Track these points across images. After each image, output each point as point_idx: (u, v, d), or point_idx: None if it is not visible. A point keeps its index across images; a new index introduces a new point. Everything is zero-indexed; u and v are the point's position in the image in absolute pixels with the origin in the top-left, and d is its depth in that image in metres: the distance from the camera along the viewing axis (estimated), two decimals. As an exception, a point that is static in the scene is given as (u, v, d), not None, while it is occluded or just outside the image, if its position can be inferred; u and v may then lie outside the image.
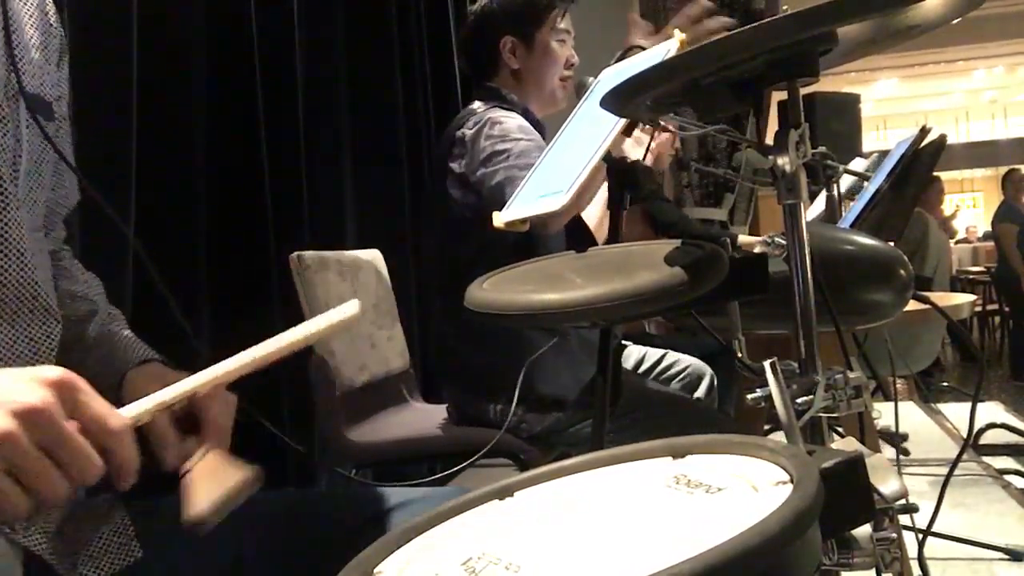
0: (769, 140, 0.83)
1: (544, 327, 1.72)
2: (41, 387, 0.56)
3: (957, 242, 11.22)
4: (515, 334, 1.72)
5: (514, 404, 1.55)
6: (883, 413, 2.43)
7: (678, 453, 0.65)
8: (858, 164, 2.15)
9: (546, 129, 1.90)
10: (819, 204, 2.16)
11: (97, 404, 0.59)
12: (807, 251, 0.83)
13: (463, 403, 1.83)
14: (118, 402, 0.75)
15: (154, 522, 0.83)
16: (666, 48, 1.16)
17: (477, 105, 1.85)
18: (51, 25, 0.92)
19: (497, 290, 1.00)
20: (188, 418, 0.74)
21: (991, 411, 3.98)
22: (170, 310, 0.87)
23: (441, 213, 1.81)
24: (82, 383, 0.59)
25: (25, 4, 0.89)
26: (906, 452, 2.89)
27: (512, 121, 1.75)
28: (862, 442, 0.74)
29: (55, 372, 0.58)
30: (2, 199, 0.78)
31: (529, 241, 1.65)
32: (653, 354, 1.98)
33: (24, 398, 0.55)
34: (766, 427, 1.99)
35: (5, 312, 0.78)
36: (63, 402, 0.57)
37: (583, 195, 1.48)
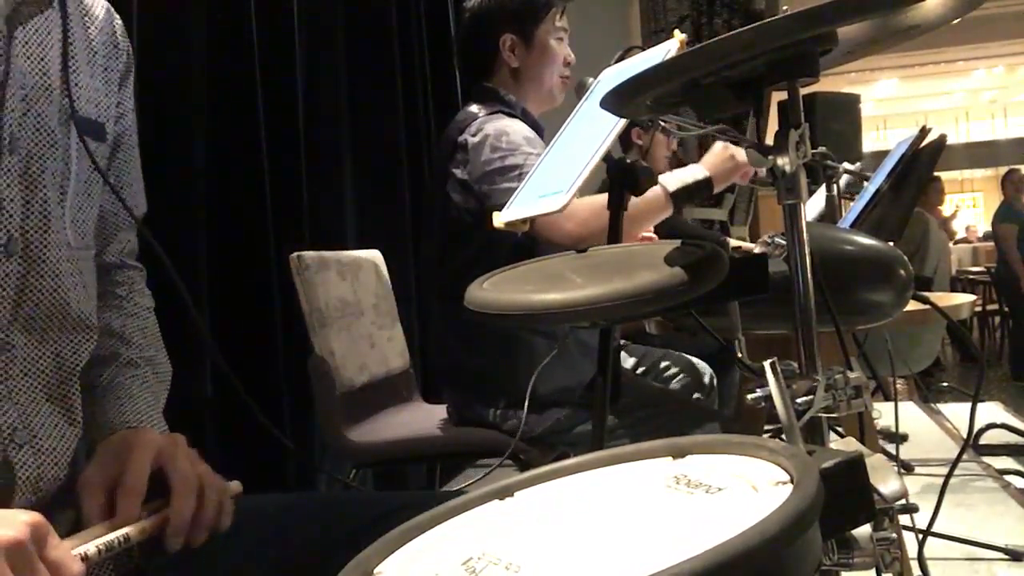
0: (769, 140, 0.83)
1: (543, 327, 1.72)
2: (19, 525, 0.61)
3: (957, 242, 11.22)
4: (513, 338, 1.71)
5: (525, 412, 1.54)
6: (883, 413, 2.43)
7: (678, 453, 0.64)
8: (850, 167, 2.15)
9: (543, 129, 1.90)
10: (818, 201, 2.16)
11: (60, 551, 0.64)
12: (807, 251, 0.83)
13: (462, 406, 1.83)
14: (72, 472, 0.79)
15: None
16: (666, 48, 1.16)
17: (476, 109, 1.83)
18: (117, 46, 0.96)
19: (497, 290, 1.00)
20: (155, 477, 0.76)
21: (991, 411, 3.98)
22: (182, 305, 0.88)
23: (441, 216, 1.80)
24: (50, 528, 0.64)
25: (93, 22, 0.92)
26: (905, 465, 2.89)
27: (518, 132, 1.72)
28: (862, 442, 0.74)
29: (29, 516, 0.62)
30: (44, 221, 0.80)
31: (528, 246, 1.65)
32: (653, 354, 1.98)
33: (5, 532, 0.60)
34: (766, 427, 1.99)
35: (35, 328, 0.80)
36: (34, 541, 0.62)
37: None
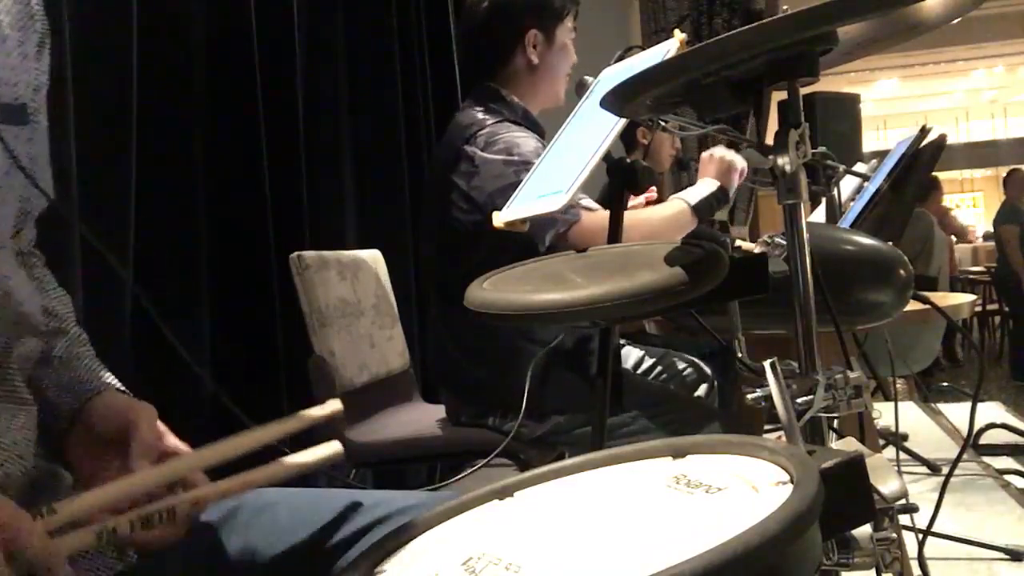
0: (769, 140, 0.83)
1: (543, 327, 1.72)
2: None
3: (957, 242, 11.20)
4: (513, 348, 1.71)
5: (520, 417, 1.53)
6: (883, 413, 2.43)
7: (678, 453, 0.64)
8: (858, 168, 2.15)
9: (544, 130, 1.89)
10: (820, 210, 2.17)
11: (38, 548, 0.61)
12: (807, 251, 0.84)
13: (461, 412, 1.83)
14: (66, 435, 0.79)
15: None
16: (666, 48, 1.17)
17: (480, 114, 1.80)
18: (32, 16, 0.87)
19: (497, 290, 1.00)
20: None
21: (991, 411, 3.98)
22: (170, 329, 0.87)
23: (440, 223, 1.78)
24: (22, 523, 0.61)
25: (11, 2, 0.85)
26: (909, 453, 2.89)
27: (528, 144, 1.71)
28: (862, 442, 0.74)
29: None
30: None
31: (530, 254, 1.64)
32: (653, 354, 1.98)
33: None
34: (766, 427, 1.99)
35: None
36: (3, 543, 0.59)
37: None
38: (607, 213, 1.62)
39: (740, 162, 1.76)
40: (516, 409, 1.65)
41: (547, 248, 1.66)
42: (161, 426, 0.80)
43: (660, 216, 1.71)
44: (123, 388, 0.86)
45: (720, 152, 1.76)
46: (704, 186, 1.74)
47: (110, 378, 0.86)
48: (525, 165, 1.65)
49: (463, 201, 1.73)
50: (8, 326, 0.79)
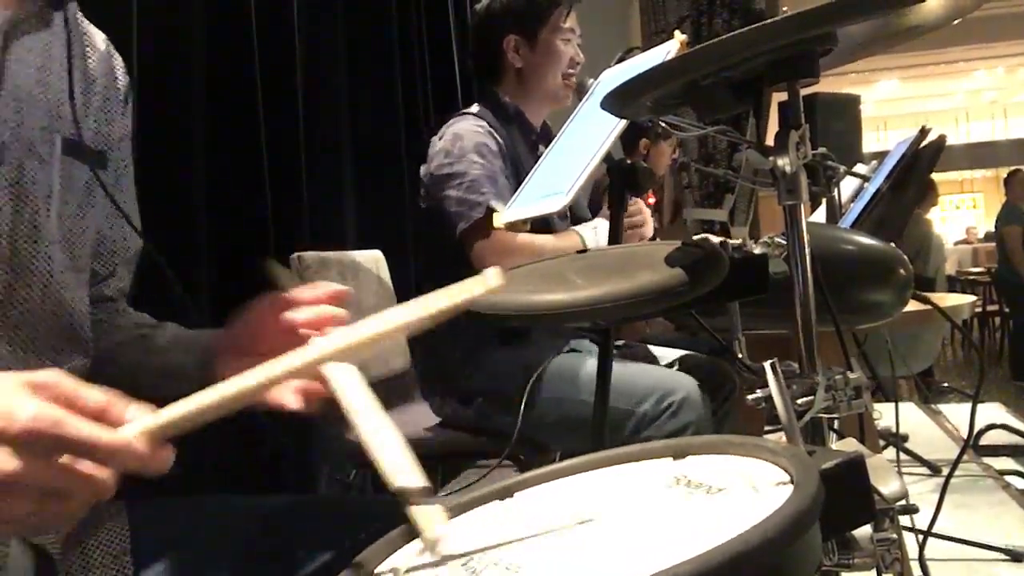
0: (769, 141, 0.83)
1: (543, 327, 1.72)
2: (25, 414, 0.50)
3: (957, 243, 11.20)
4: (479, 335, 1.73)
5: (521, 413, 1.54)
6: (883, 413, 2.43)
7: (678, 453, 0.65)
8: (859, 169, 2.15)
9: (538, 132, 1.92)
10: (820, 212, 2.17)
11: (85, 431, 0.52)
12: (807, 251, 0.83)
13: (440, 403, 1.83)
14: (203, 380, 0.63)
15: (155, 526, 0.83)
16: (666, 49, 1.17)
17: (466, 111, 1.89)
18: (116, 78, 0.96)
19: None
20: None
21: (991, 411, 3.98)
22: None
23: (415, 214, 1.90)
24: (70, 390, 0.53)
25: (94, 52, 0.93)
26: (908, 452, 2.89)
27: (471, 139, 1.76)
28: (862, 442, 0.74)
29: (45, 376, 0.53)
30: (33, 232, 0.80)
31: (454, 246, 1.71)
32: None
33: (19, 413, 0.50)
34: (766, 428, 1.98)
35: (21, 338, 0.78)
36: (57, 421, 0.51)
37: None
38: (521, 238, 1.67)
39: (648, 232, 1.80)
40: (493, 398, 1.68)
41: (457, 241, 1.70)
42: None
43: (552, 246, 1.73)
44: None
45: (644, 215, 1.78)
46: (603, 229, 1.75)
47: (213, 331, 0.93)
48: (460, 158, 1.73)
49: (422, 188, 1.84)
50: (61, 341, 0.82)
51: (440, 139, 1.82)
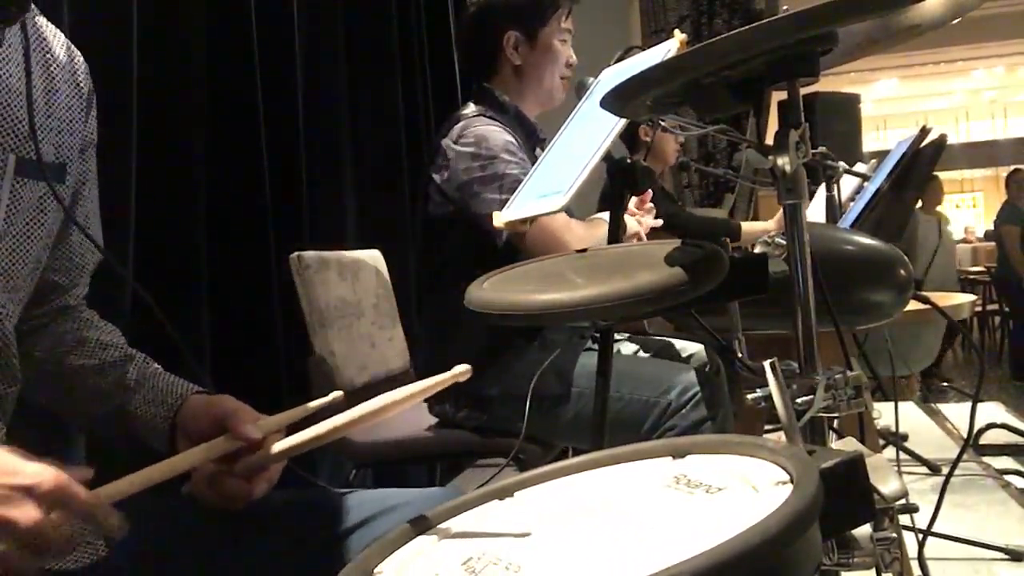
0: (769, 140, 0.83)
1: (544, 327, 1.72)
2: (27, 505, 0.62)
3: (956, 242, 11.18)
4: (486, 336, 1.71)
5: (527, 412, 1.53)
6: (883, 413, 2.43)
7: (678, 453, 0.65)
8: (858, 168, 2.15)
9: (537, 131, 1.91)
10: (818, 203, 2.16)
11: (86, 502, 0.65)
12: (807, 251, 0.83)
13: (432, 401, 1.82)
14: (169, 444, 0.85)
15: (157, 524, 0.83)
16: (666, 48, 1.16)
17: (469, 110, 1.85)
18: (79, 85, 0.94)
19: (498, 290, 1.00)
20: None
21: (991, 411, 3.98)
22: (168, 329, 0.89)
23: (422, 218, 1.82)
24: (70, 488, 0.64)
25: (54, 61, 0.90)
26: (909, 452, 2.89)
27: (498, 140, 1.73)
28: (862, 442, 0.74)
29: (48, 482, 0.62)
30: None
31: (507, 254, 1.65)
32: (651, 346, 1.98)
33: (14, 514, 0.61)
34: (766, 427, 1.99)
35: None
36: (55, 503, 0.63)
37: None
38: (566, 221, 1.65)
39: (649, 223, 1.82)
40: (486, 400, 1.67)
41: (504, 244, 1.67)
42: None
43: (602, 233, 1.72)
44: (200, 388, 0.92)
45: (633, 229, 1.77)
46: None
47: (188, 384, 0.92)
48: (492, 160, 1.69)
49: (437, 194, 1.77)
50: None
51: (456, 143, 1.75)
